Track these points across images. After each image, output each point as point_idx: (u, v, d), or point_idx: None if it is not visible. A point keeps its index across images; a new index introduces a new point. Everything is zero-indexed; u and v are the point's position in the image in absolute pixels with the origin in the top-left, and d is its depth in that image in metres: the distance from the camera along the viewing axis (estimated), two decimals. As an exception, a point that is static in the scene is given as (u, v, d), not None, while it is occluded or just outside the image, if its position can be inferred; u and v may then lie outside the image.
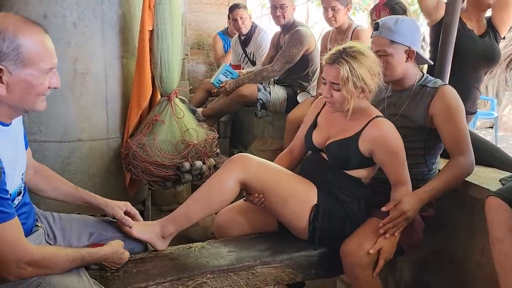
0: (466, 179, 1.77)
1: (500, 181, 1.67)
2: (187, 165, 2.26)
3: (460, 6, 1.94)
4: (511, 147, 6.17)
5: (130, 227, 1.54)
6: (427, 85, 1.73)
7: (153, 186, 2.38)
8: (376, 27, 1.73)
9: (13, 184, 1.23)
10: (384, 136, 1.60)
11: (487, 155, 1.99)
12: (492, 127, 6.57)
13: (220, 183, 1.61)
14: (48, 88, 1.21)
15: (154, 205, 3.11)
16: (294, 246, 1.66)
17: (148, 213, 2.82)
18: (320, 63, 2.73)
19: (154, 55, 2.27)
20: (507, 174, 1.79)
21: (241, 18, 3.68)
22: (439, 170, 1.78)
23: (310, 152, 1.87)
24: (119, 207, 1.57)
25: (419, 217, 1.70)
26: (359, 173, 1.67)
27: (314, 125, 1.81)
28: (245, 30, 3.73)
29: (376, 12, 2.36)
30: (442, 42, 1.94)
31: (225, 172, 1.63)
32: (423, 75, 1.78)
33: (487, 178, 1.78)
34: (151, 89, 2.34)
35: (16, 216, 1.18)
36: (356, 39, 2.76)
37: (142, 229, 1.57)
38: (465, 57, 2.06)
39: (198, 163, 2.30)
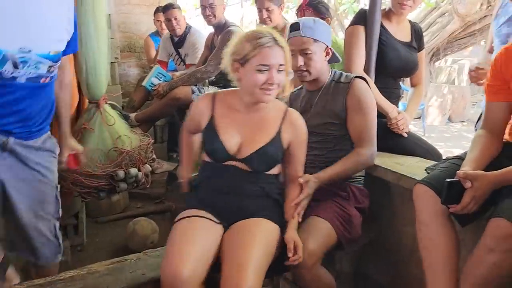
0: (396, 170, 1.85)
1: (426, 169, 1.75)
2: (121, 173, 2.19)
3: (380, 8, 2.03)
4: (437, 137, 6.59)
5: None
6: (340, 80, 1.80)
7: (85, 198, 2.26)
8: (296, 27, 1.73)
9: None
10: (300, 126, 1.61)
11: (411, 144, 2.10)
12: (419, 117, 6.97)
13: None
14: None
15: (89, 217, 2.97)
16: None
17: (83, 226, 2.69)
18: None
19: (78, 60, 2.15)
20: (432, 162, 1.89)
21: (175, 18, 3.59)
22: None
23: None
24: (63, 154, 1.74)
25: (357, 213, 1.75)
26: (276, 169, 1.62)
27: (212, 129, 1.57)
28: (179, 31, 3.65)
29: (300, 13, 2.41)
30: (367, 42, 2.05)
31: None
32: (334, 72, 1.85)
33: (414, 167, 1.87)
34: (78, 96, 2.23)
35: None
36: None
37: None
38: (387, 69, 2.13)
39: (133, 171, 2.22)
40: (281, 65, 1.46)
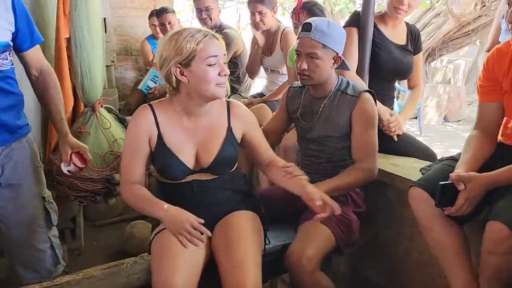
0: (391, 171, 1.86)
1: (420, 170, 1.76)
2: (117, 176, 2.18)
3: (373, 10, 2.04)
4: (433, 137, 6.60)
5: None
6: (347, 92, 1.72)
7: (82, 202, 2.26)
8: (307, 28, 1.64)
9: None
10: (246, 114, 1.57)
11: (406, 145, 2.10)
12: (416, 118, 6.97)
13: None
14: None
15: (87, 220, 2.96)
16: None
17: (80, 230, 2.68)
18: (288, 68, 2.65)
19: (73, 64, 2.15)
20: (427, 163, 1.89)
21: (169, 23, 3.58)
22: None
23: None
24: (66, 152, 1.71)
25: (355, 217, 1.74)
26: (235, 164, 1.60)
27: (163, 147, 1.45)
28: None
29: (295, 16, 2.39)
30: (360, 47, 2.06)
31: None
32: (341, 80, 1.78)
33: (409, 168, 1.88)
34: (73, 99, 2.23)
35: None
36: (285, 41, 2.80)
37: None
38: (381, 71, 2.12)
39: (129, 174, 2.21)
40: (224, 54, 1.40)
